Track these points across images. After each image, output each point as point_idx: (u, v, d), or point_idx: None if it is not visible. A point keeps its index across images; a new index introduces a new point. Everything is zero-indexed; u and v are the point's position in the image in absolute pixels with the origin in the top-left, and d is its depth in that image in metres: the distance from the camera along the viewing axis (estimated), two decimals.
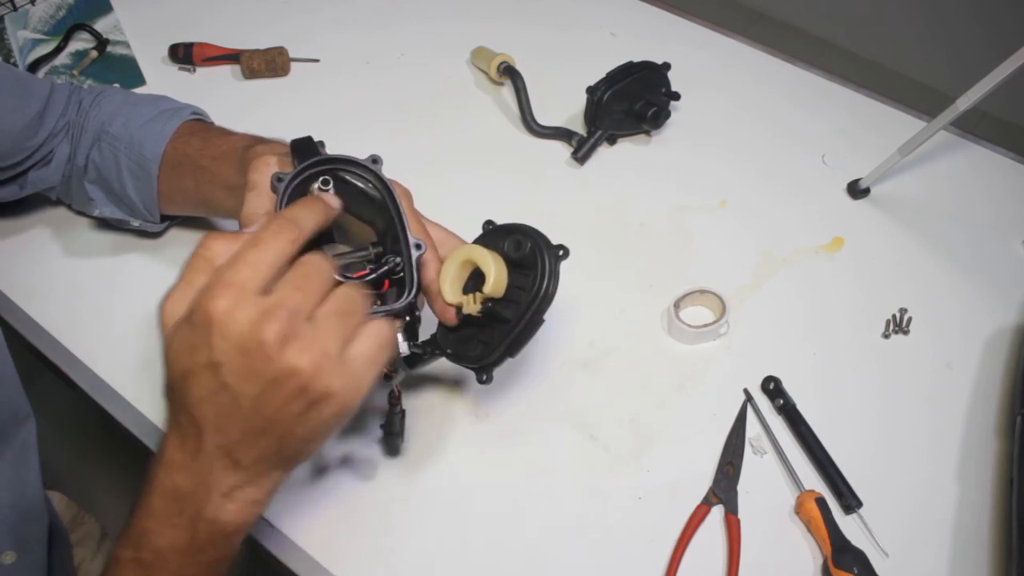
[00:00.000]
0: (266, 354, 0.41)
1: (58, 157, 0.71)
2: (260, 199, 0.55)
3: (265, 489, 0.46)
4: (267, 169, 0.56)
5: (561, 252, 0.54)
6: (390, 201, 0.54)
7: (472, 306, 0.55)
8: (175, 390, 0.44)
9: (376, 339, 0.45)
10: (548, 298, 0.54)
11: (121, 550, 0.46)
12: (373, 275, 0.52)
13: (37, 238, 0.78)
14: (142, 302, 0.73)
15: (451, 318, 0.56)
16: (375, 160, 0.55)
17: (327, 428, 0.45)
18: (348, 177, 0.55)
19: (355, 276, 0.52)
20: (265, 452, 0.44)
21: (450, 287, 0.55)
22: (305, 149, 0.56)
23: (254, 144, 0.62)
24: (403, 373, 0.56)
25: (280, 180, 0.53)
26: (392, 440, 0.61)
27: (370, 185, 0.55)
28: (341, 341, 0.44)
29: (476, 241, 0.58)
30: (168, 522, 0.45)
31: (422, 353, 0.59)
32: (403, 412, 0.59)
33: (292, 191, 0.53)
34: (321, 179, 0.53)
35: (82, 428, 1.48)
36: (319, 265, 0.45)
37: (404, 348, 0.53)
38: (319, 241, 0.54)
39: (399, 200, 0.54)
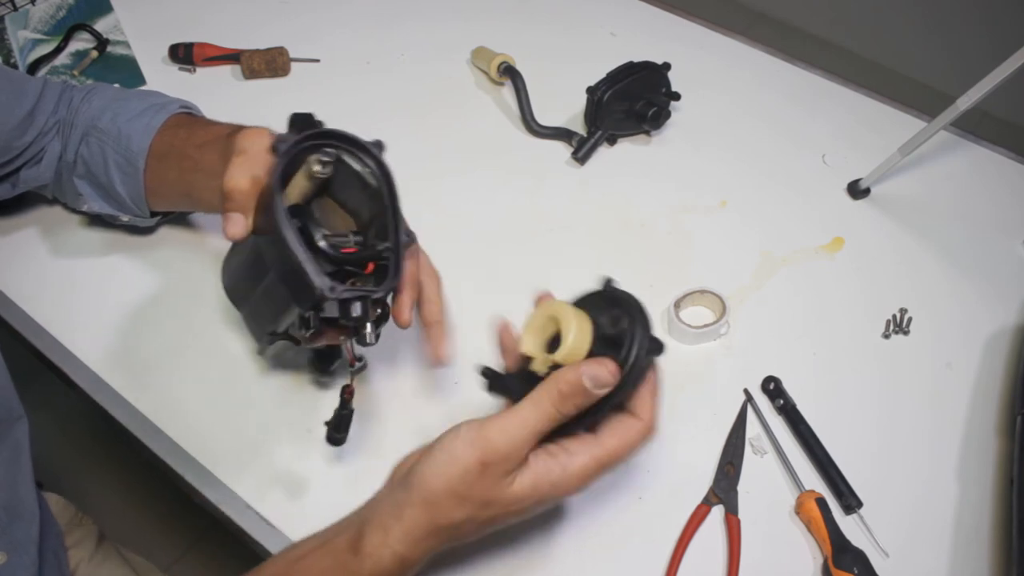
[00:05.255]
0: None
1: (49, 155, 0.72)
2: (246, 166, 0.55)
3: None
4: (259, 139, 0.56)
5: (657, 347, 0.49)
6: (387, 188, 0.54)
7: (540, 365, 0.51)
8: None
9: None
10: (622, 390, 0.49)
11: None
12: (361, 255, 0.53)
13: (32, 237, 0.78)
14: (139, 301, 0.73)
15: (405, 320, 0.57)
16: (378, 145, 0.55)
17: None
18: (346, 157, 0.55)
19: (343, 251, 0.53)
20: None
21: (531, 336, 0.52)
22: (305, 123, 0.55)
23: (238, 130, 0.62)
24: (366, 363, 0.56)
25: (283, 142, 0.52)
26: (335, 437, 0.59)
27: (368, 170, 0.55)
28: None
29: (579, 302, 0.54)
30: None
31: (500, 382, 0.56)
32: (351, 411, 0.58)
33: (289, 161, 0.53)
34: (323, 151, 0.52)
35: (82, 428, 1.48)
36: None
37: (373, 338, 0.53)
38: (304, 225, 0.54)
39: (396, 189, 0.54)
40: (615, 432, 0.49)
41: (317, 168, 0.53)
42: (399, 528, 0.47)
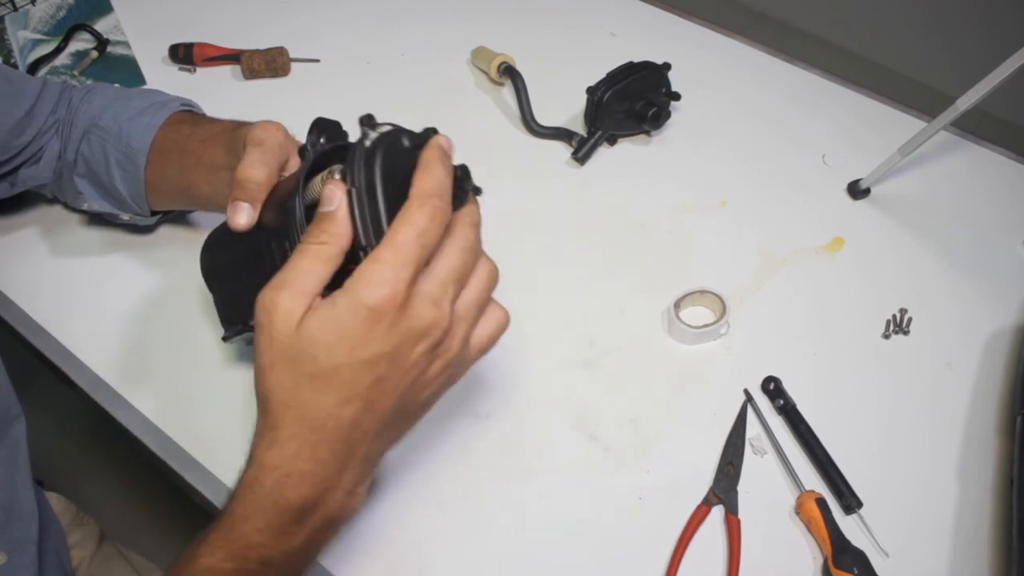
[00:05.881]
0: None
1: (48, 154, 0.72)
2: (265, 158, 0.54)
3: (373, 470, 0.48)
4: (277, 132, 0.56)
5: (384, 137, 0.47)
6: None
7: None
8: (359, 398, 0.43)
9: (497, 329, 0.48)
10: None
11: (217, 562, 0.45)
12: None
13: (32, 236, 0.78)
14: (139, 301, 0.73)
15: None
16: None
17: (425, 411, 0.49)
18: None
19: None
20: (389, 443, 0.47)
21: None
22: (332, 130, 0.55)
23: (242, 125, 0.62)
24: None
25: (314, 146, 0.52)
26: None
27: None
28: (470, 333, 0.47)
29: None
30: (283, 532, 0.45)
31: None
32: None
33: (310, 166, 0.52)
34: (342, 167, 0.52)
35: (82, 428, 1.48)
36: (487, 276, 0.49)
37: None
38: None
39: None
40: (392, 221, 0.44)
41: (337, 178, 0.52)
42: (259, 447, 0.44)
